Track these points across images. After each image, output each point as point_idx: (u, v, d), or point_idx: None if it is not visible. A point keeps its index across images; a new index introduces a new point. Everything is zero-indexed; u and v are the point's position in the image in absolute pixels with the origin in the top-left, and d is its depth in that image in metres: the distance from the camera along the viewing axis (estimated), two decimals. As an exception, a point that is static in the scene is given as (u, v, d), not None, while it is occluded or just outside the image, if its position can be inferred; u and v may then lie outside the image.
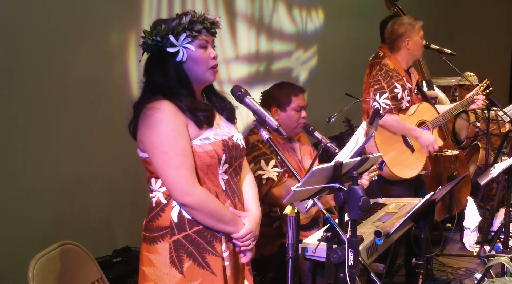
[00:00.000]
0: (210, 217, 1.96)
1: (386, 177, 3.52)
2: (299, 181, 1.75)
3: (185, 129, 1.95)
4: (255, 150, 2.87)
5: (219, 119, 2.10)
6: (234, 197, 2.09)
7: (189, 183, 1.93)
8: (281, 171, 2.84)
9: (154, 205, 2.02)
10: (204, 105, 2.03)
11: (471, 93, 3.86)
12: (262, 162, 2.84)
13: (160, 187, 2.00)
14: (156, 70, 2.00)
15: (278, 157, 2.84)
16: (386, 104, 3.44)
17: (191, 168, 1.94)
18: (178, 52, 1.97)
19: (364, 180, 2.96)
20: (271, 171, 2.81)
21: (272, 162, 2.84)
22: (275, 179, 2.80)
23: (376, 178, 3.22)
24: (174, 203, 1.98)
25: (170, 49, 1.96)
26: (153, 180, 2.03)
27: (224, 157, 2.01)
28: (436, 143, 3.56)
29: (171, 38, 1.95)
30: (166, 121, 1.92)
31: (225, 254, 2.04)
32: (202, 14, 2.01)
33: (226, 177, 2.06)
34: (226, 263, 2.04)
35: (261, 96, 3.10)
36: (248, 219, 2.07)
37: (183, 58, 1.98)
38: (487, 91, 3.98)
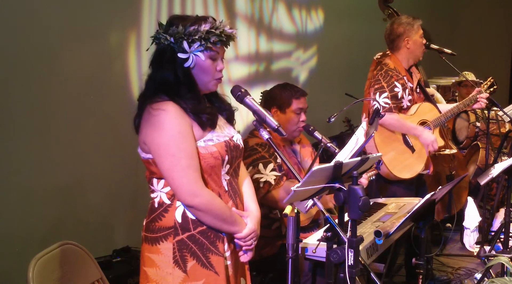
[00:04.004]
0: (216, 218, 1.97)
1: (386, 177, 3.51)
2: (299, 181, 1.75)
3: (190, 131, 1.96)
4: (254, 153, 2.86)
5: (219, 121, 2.10)
6: (236, 197, 2.10)
7: (196, 185, 1.93)
8: (279, 174, 2.83)
9: (156, 206, 2.01)
10: (208, 109, 2.03)
11: (474, 93, 3.78)
12: (260, 166, 2.83)
13: (162, 188, 2.00)
14: (166, 68, 1.98)
15: (277, 160, 2.84)
16: (386, 103, 3.43)
17: (198, 169, 1.94)
18: (188, 58, 1.96)
19: (363, 179, 2.96)
20: (269, 175, 2.80)
21: (271, 166, 2.83)
22: (273, 182, 2.79)
23: (374, 177, 3.22)
24: (178, 203, 1.98)
25: (180, 55, 1.95)
26: (154, 180, 2.02)
27: (227, 157, 2.02)
28: (436, 142, 3.54)
29: (185, 44, 1.94)
30: (173, 123, 1.92)
31: (227, 254, 2.04)
32: (221, 25, 1.98)
33: (228, 177, 2.07)
34: (228, 262, 2.05)
35: (261, 96, 3.09)
36: (250, 219, 2.09)
37: (191, 65, 1.97)
38: (491, 89, 3.95)
